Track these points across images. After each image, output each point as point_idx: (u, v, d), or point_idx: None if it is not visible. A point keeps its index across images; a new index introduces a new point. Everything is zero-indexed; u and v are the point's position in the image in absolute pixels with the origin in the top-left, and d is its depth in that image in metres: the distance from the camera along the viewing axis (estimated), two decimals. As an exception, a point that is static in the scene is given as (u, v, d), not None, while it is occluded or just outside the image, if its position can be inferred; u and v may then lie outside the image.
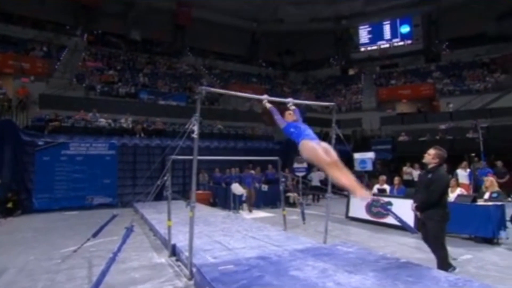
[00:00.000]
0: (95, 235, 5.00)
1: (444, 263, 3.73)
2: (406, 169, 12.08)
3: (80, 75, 16.94)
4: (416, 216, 3.99)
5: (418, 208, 3.89)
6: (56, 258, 4.93)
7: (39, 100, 13.26)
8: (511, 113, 15.55)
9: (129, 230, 4.33)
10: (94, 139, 11.44)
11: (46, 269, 4.48)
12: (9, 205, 9.15)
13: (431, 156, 3.93)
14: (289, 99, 4.17)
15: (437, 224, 3.72)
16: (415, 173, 11.03)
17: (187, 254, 4.05)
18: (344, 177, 2.93)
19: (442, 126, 16.66)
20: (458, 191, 6.56)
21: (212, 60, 25.34)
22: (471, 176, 9.70)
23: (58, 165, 10.36)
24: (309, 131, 3.51)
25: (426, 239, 3.96)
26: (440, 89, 20.82)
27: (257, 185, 10.04)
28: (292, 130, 3.53)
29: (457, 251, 4.86)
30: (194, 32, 24.31)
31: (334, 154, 3.19)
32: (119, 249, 3.72)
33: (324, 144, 3.34)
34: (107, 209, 9.46)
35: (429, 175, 3.91)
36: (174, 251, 4.91)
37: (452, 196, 6.31)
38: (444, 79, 21.70)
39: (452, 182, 6.93)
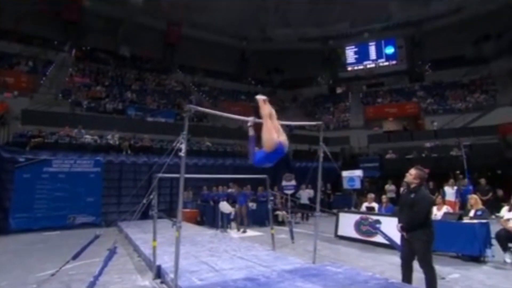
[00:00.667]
0: (75, 257, 4.76)
1: (433, 283, 3.69)
2: (388, 187, 12.16)
3: (67, 90, 16.73)
4: (402, 236, 3.95)
5: (403, 228, 3.88)
6: (31, 283, 4.66)
7: (22, 116, 12.90)
8: (492, 132, 16.15)
9: (112, 252, 4.17)
10: (79, 156, 11.16)
11: (20, 294, 4.23)
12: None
13: (412, 176, 3.97)
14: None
15: (425, 244, 3.71)
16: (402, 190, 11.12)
17: (172, 276, 3.90)
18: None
19: (427, 144, 17.06)
20: (445, 209, 6.63)
21: (201, 77, 25.49)
22: (457, 193, 9.83)
23: (39, 183, 10.01)
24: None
25: (406, 258, 3.90)
26: (425, 107, 21.51)
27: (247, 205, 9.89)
28: (258, 157, 3.50)
29: (445, 270, 4.85)
30: (183, 50, 24.55)
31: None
32: (100, 272, 3.58)
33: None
34: (90, 229, 9.08)
35: (412, 195, 3.93)
36: (159, 273, 4.73)
37: (439, 214, 6.36)
38: (427, 98, 22.46)
39: (438, 199, 7.02)
